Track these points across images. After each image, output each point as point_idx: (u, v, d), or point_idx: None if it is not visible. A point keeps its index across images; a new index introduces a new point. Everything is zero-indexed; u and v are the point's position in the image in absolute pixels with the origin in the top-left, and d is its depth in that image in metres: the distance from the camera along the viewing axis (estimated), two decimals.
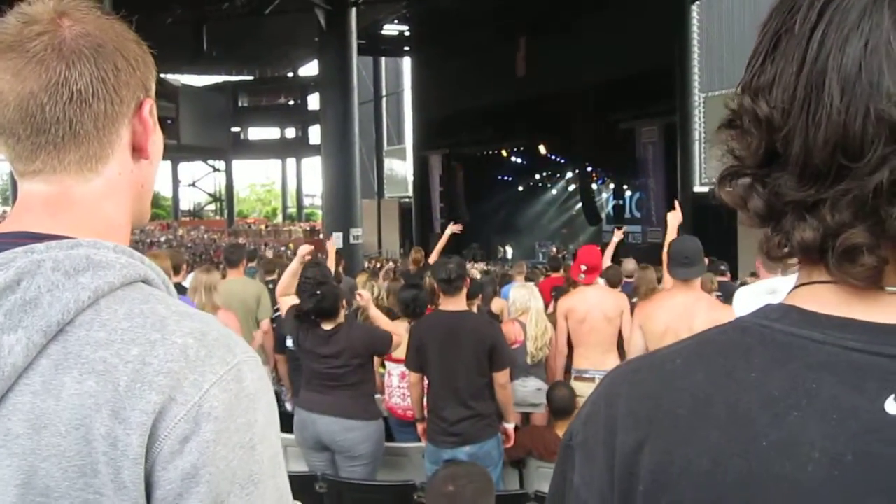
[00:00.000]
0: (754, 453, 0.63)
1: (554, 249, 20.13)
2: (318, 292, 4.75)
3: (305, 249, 5.42)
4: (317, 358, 4.72)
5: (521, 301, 5.83)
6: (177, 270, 6.04)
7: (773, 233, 0.67)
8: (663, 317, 4.33)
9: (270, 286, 7.00)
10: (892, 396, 0.59)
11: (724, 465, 0.63)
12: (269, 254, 10.21)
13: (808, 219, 0.63)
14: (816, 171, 0.62)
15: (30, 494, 0.79)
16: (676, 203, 5.66)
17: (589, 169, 21.88)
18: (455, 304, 4.65)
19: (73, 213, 0.92)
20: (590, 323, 5.57)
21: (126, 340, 0.83)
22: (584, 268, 5.71)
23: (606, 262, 5.62)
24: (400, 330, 5.19)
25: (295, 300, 4.97)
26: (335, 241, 5.73)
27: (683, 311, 4.22)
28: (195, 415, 0.82)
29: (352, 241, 19.56)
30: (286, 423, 4.95)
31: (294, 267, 5.27)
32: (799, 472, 0.60)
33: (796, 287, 0.70)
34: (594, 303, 5.66)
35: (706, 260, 4.46)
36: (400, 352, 5.00)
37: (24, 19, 0.90)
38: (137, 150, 0.98)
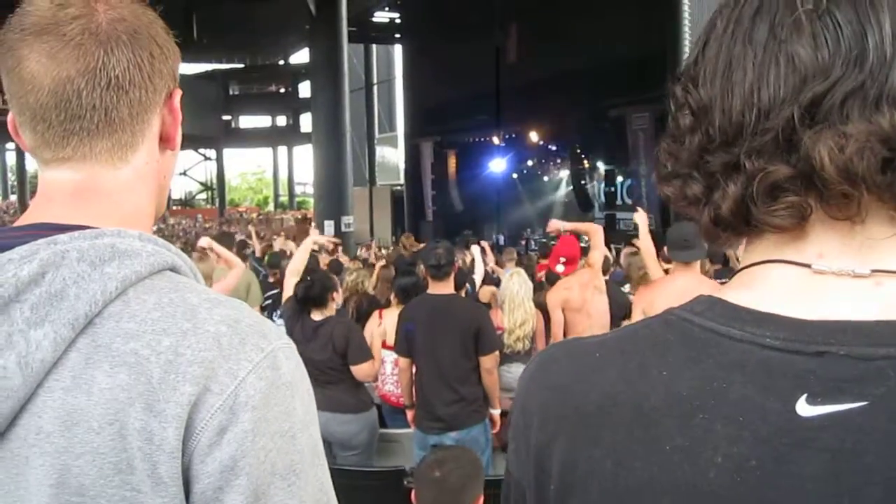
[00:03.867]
0: (657, 458, 0.61)
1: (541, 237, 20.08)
2: (308, 279, 4.78)
3: (324, 239, 5.44)
4: (305, 347, 4.74)
5: (505, 291, 5.80)
6: None
7: (705, 209, 0.66)
8: (665, 301, 4.31)
9: (261, 277, 7.01)
10: (805, 397, 0.57)
11: (627, 469, 0.62)
12: (257, 244, 10.15)
13: (733, 175, 0.63)
14: (738, 127, 0.62)
15: (64, 494, 0.77)
16: (639, 209, 5.77)
17: (580, 155, 21.82)
18: (442, 288, 4.67)
19: (99, 203, 0.91)
20: (578, 309, 5.57)
21: (157, 331, 0.81)
22: (562, 259, 5.70)
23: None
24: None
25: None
26: (316, 233, 5.72)
27: (685, 294, 4.20)
28: (232, 404, 0.80)
29: (343, 229, 19.50)
30: None
31: (307, 244, 5.26)
32: (700, 479, 0.58)
33: (735, 273, 0.69)
34: (583, 290, 5.64)
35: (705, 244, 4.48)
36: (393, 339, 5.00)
37: (58, 1, 0.88)
38: (165, 140, 0.98)
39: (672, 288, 4.34)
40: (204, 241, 5.69)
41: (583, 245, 6.23)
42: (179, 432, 0.78)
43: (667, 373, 0.63)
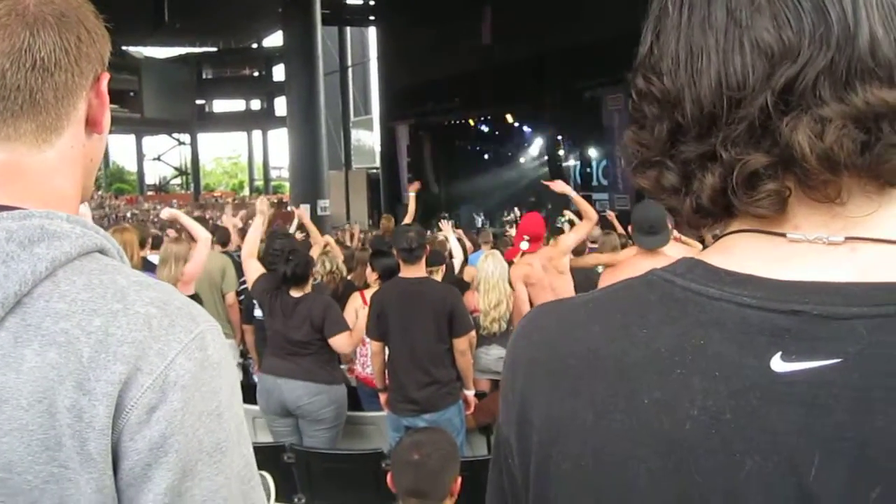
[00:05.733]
0: (635, 410, 0.62)
1: (513, 216, 20.03)
2: (291, 258, 4.80)
3: (264, 203, 5.41)
4: (283, 323, 4.77)
5: (480, 273, 5.80)
6: (142, 244, 5.97)
7: (686, 198, 0.67)
8: None
9: (233, 258, 6.98)
10: (780, 354, 0.58)
11: (607, 421, 0.64)
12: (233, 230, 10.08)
13: (710, 166, 0.63)
14: (711, 117, 0.62)
15: None
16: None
17: (556, 137, 21.84)
18: (414, 271, 4.68)
19: (24, 184, 0.90)
20: (541, 285, 5.56)
21: (87, 311, 0.81)
22: (526, 237, 5.70)
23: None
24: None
25: (261, 268, 4.99)
26: (304, 210, 5.71)
27: None
28: (161, 384, 0.81)
29: (319, 212, 19.48)
30: (253, 393, 4.97)
31: (258, 223, 5.24)
32: (676, 431, 0.60)
33: (717, 238, 0.70)
34: (543, 266, 5.66)
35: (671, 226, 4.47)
36: None
37: None
38: (91, 124, 0.96)
39: (638, 269, 4.33)
40: (165, 213, 5.58)
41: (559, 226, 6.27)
42: (109, 410, 0.79)
43: (647, 330, 0.65)
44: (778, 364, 0.58)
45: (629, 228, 4.60)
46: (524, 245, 5.68)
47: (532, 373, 0.72)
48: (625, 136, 0.72)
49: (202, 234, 5.39)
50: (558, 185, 6.08)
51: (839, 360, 0.56)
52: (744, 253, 0.65)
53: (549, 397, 0.69)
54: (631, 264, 4.61)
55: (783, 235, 0.63)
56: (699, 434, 0.59)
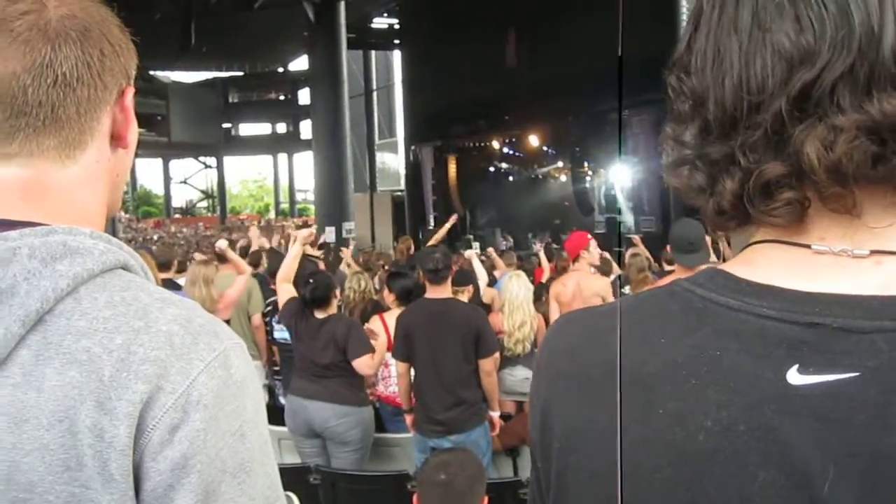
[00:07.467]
0: (651, 420, 0.62)
1: (538, 243, 19.98)
2: (311, 280, 4.84)
3: (305, 233, 5.52)
4: (309, 346, 4.79)
5: (505, 293, 5.83)
6: (168, 266, 6.04)
7: (710, 199, 0.66)
8: None
9: (258, 279, 7.02)
10: (797, 366, 0.57)
11: (623, 430, 0.63)
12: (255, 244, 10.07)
13: (731, 170, 0.63)
14: (732, 119, 0.62)
15: (12, 491, 0.77)
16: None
17: (581, 159, 21.81)
18: (440, 292, 4.68)
19: (49, 200, 0.89)
20: (570, 307, 5.60)
21: (109, 329, 0.80)
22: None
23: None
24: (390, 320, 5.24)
25: (292, 291, 5.05)
26: (301, 233, 5.78)
27: None
28: (184, 403, 0.80)
29: (344, 234, 19.53)
30: (280, 415, 4.99)
31: (295, 251, 5.32)
32: (690, 442, 0.60)
33: (742, 249, 0.70)
34: (576, 286, 5.75)
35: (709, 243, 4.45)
36: None
37: None
38: (116, 139, 0.96)
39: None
40: (222, 244, 5.76)
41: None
42: (131, 430, 0.78)
43: (665, 340, 0.65)
44: (794, 377, 0.57)
45: (667, 248, 4.61)
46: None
47: (554, 380, 0.73)
48: (662, 132, 0.71)
49: (246, 268, 5.62)
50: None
51: (857, 374, 0.55)
52: (767, 263, 0.65)
53: (569, 405, 0.70)
54: (666, 282, 4.60)
55: (808, 247, 0.62)
56: (712, 445, 0.59)
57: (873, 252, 0.59)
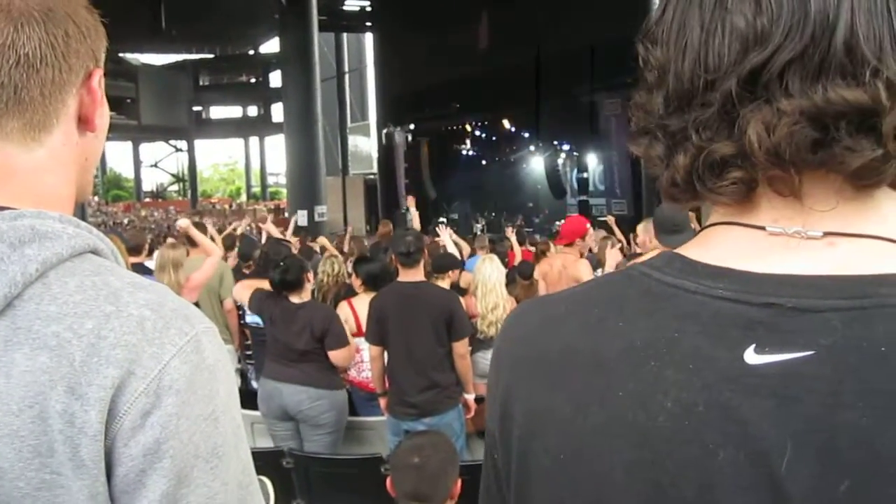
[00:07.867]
0: (611, 402, 0.63)
1: (510, 226, 19.90)
2: (282, 264, 4.81)
3: (185, 223, 5.55)
4: (284, 330, 4.78)
5: (478, 276, 5.83)
6: (138, 250, 5.97)
7: (665, 171, 0.67)
8: None
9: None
10: (753, 346, 0.58)
11: (584, 414, 0.64)
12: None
13: (685, 144, 0.64)
14: (689, 95, 0.63)
15: None
16: None
17: (553, 142, 21.85)
18: (412, 275, 4.68)
19: (15, 184, 0.87)
20: (554, 287, 5.73)
21: (79, 314, 0.79)
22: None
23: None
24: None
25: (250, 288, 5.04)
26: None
27: None
28: (156, 388, 0.79)
29: (317, 218, 19.47)
30: (253, 399, 4.97)
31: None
32: (650, 422, 0.60)
33: (699, 231, 0.71)
34: (562, 267, 5.99)
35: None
36: None
37: None
38: (84, 122, 0.93)
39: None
40: (183, 222, 5.62)
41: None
42: (102, 415, 0.77)
43: (623, 324, 0.65)
44: (751, 356, 0.58)
45: (637, 229, 4.67)
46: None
47: (514, 368, 0.73)
48: (632, 100, 0.71)
49: (215, 250, 5.50)
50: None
51: (812, 352, 0.56)
52: (722, 246, 0.66)
53: (529, 392, 0.70)
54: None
55: (763, 228, 0.63)
56: (673, 426, 0.59)
57: (826, 234, 0.61)
